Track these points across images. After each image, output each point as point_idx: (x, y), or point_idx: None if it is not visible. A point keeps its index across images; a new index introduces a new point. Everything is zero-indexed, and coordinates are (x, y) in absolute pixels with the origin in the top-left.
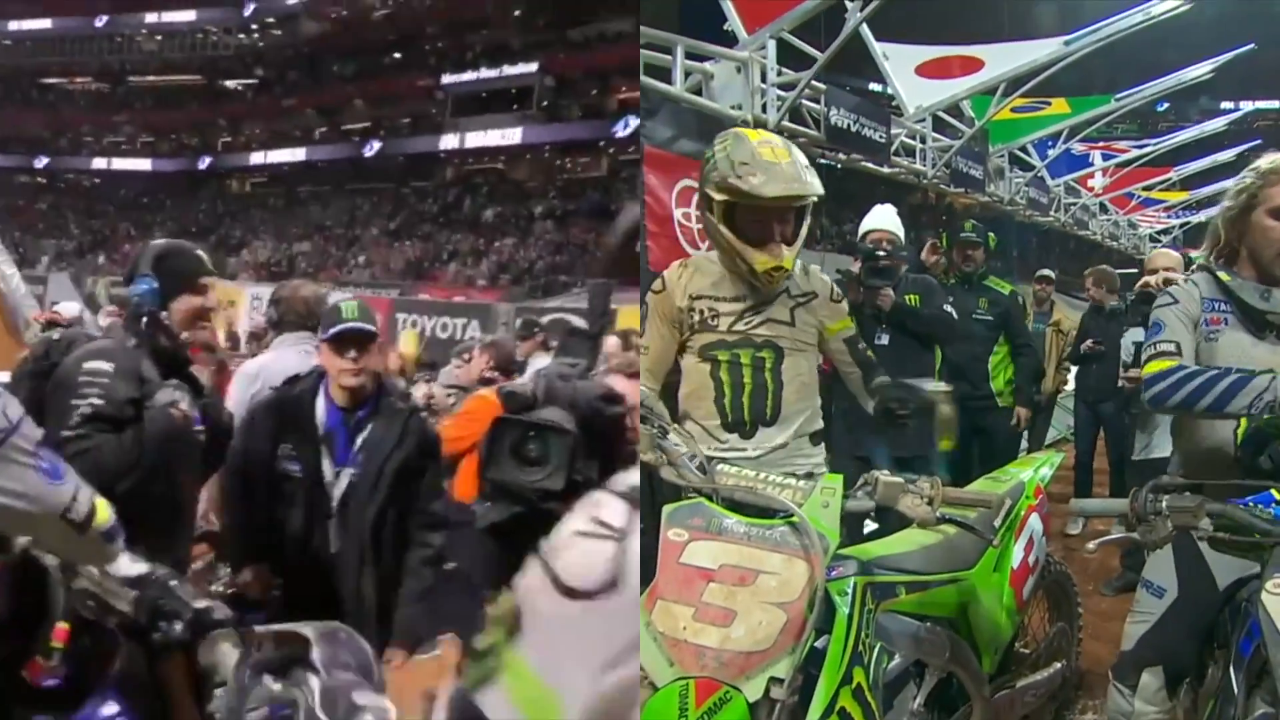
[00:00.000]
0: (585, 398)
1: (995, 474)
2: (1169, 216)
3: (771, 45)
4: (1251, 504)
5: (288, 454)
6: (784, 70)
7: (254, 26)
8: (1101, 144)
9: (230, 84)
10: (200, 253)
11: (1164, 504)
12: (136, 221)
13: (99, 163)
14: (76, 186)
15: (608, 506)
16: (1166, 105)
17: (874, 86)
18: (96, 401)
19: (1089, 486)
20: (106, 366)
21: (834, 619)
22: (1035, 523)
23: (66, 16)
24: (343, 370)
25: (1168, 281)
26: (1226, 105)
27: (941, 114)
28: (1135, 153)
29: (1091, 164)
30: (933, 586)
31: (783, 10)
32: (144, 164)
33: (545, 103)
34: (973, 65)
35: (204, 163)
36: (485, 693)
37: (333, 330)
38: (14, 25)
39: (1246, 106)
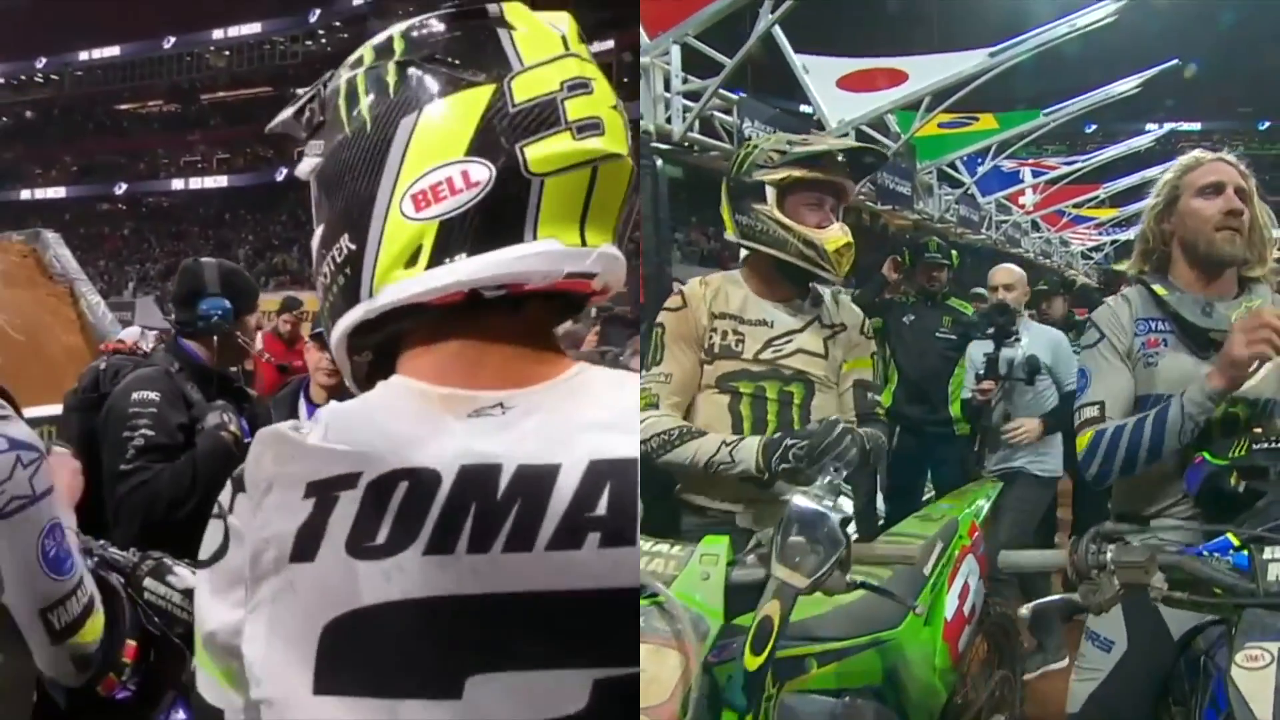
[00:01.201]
0: None
1: (926, 511)
2: (1100, 234)
3: (675, 50)
4: (1208, 554)
5: None
6: (690, 78)
7: (320, 32)
8: (1031, 161)
9: (301, 92)
10: None
11: (1108, 557)
12: (218, 239)
13: (177, 184)
14: (157, 209)
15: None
16: (1095, 127)
17: (805, 109)
18: (148, 433)
19: None
20: (154, 396)
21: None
22: (971, 566)
23: (134, 41)
24: (319, 368)
25: (1007, 287)
26: (1151, 127)
27: (868, 129)
28: (1064, 169)
29: (1021, 181)
30: (851, 654)
31: (687, 13)
32: (221, 181)
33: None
34: (897, 78)
35: (280, 174)
36: None
37: (315, 330)
38: (84, 55)
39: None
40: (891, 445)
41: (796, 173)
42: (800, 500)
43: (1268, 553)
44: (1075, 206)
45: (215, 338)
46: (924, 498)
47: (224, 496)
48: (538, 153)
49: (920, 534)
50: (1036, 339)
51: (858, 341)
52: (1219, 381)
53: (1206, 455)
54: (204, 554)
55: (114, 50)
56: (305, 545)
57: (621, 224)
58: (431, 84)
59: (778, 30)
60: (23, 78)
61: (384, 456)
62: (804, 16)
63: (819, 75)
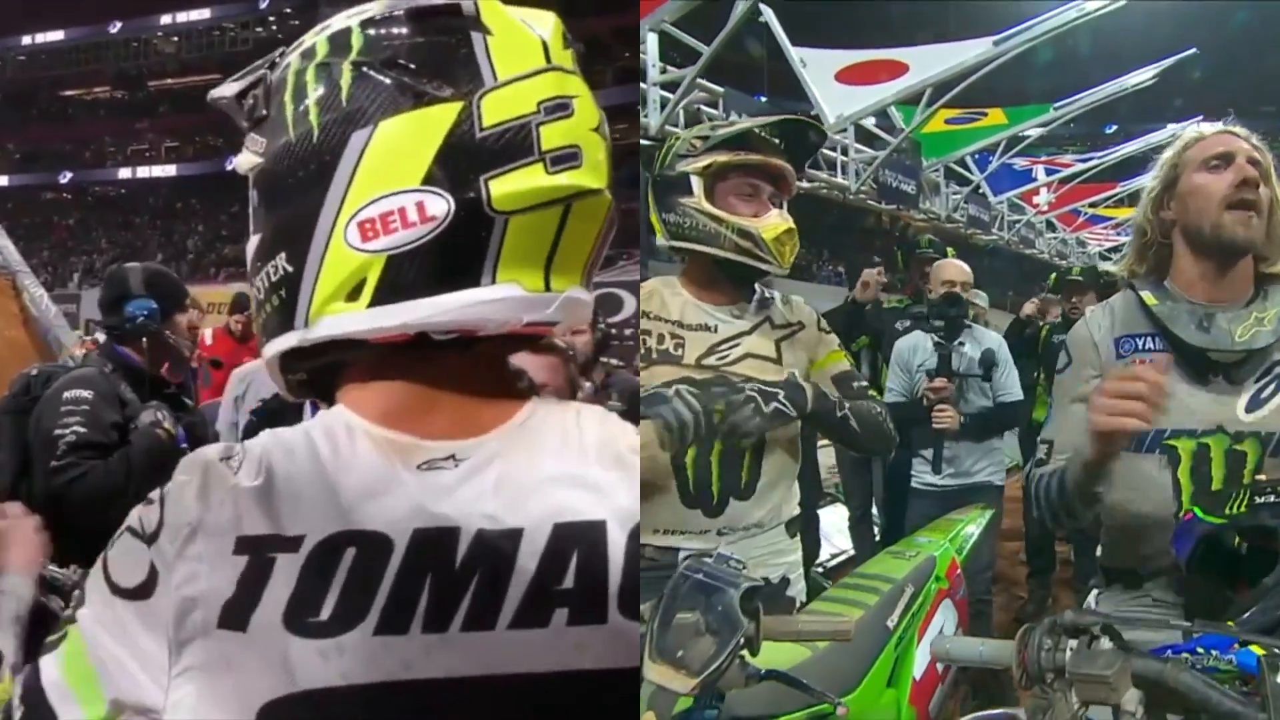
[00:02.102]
0: None
1: (900, 546)
2: (1118, 234)
3: (653, 39)
4: (1203, 650)
5: None
6: (668, 68)
7: (271, 19)
8: (1044, 159)
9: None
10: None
11: (1066, 660)
12: (167, 230)
13: (124, 173)
14: (103, 199)
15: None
16: (1115, 127)
17: None
18: (80, 429)
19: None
20: (86, 394)
21: None
22: (948, 612)
23: (80, 26)
24: None
25: (963, 285)
26: (1174, 128)
27: (872, 127)
28: (1079, 167)
29: (1034, 179)
30: None
31: None
32: (169, 170)
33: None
34: (897, 70)
35: (230, 163)
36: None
37: None
38: (26, 40)
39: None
40: (889, 459)
41: (722, 158)
42: (690, 564)
43: None
44: (1091, 206)
45: (144, 339)
46: None
47: (149, 519)
48: (504, 188)
49: (890, 575)
50: (982, 342)
51: (819, 338)
52: (1091, 449)
53: (1197, 511)
54: (121, 579)
55: (58, 35)
56: (236, 612)
57: (593, 260)
58: (390, 95)
59: (774, 22)
60: None
61: (328, 514)
62: (806, 9)
63: (816, 69)
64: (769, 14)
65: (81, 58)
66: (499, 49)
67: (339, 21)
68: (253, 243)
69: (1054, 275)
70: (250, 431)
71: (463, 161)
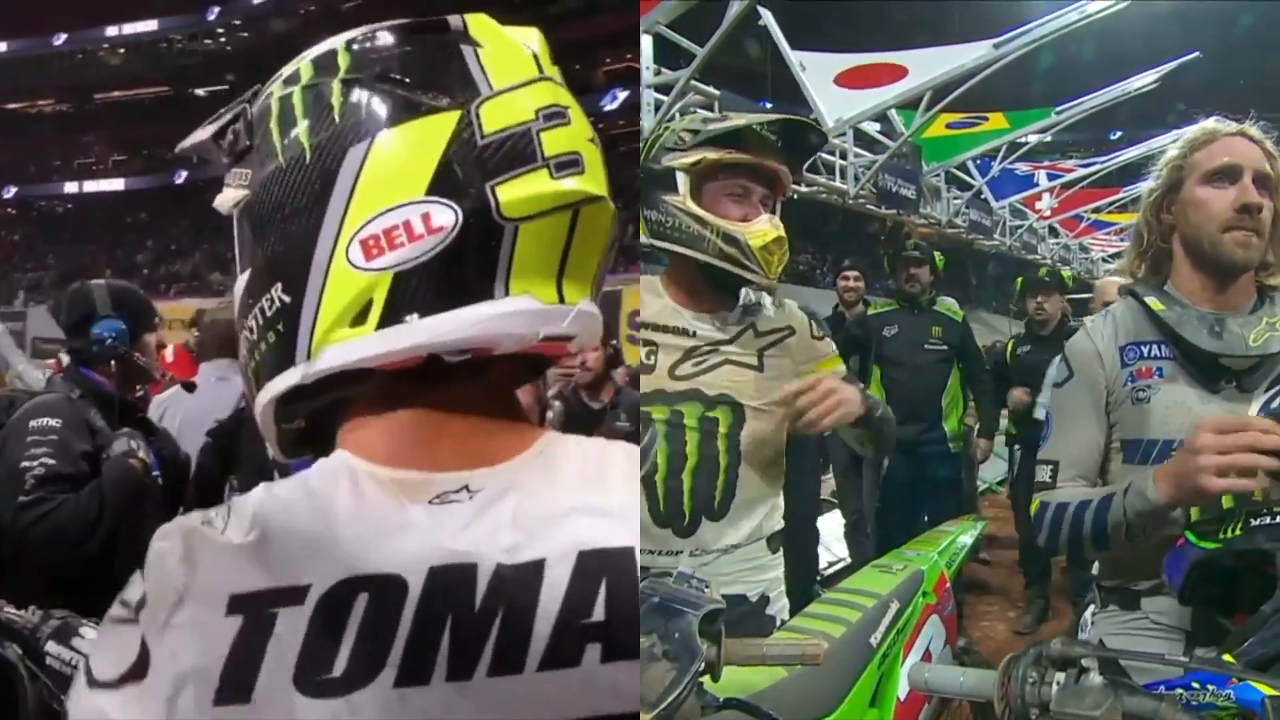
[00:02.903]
0: None
1: (887, 559)
2: (1122, 239)
3: (646, 41)
4: (1199, 685)
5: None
6: (664, 70)
7: (219, 30)
8: (1047, 164)
9: (201, 92)
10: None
11: (1052, 695)
12: (114, 245)
13: (70, 187)
14: (50, 214)
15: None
16: (1120, 133)
17: None
18: (49, 461)
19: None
20: (54, 422)
21: None
22: (935, 628)
23: (23, 38)
24: None
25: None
26: (1178, 134)
27: (874, 132)
28: (1081, 172)
29: (1036, 184)
30: None
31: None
32: (118, 184)
33: None
34: (897, 73)
35: (180, 177)
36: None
37: None
38: None
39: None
40: (883, 468)
41: (712, 155)
42: (646, 586)
43: None
44: (1094, 211)
45: (113, 362)
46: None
47: (133, 594)
48: (512, 194)
49: (874, 590)
50: None
51: (810, 345)
52: (1166, 494)
53: (1189, 536)
54: (106, 672)
55: (1, 46)
56: (236, 682)
57: (600, 275)
58: (385, 107)
59: (773, 25)
60: None
61: (335, 560)
62: (805, 11)
63: (816, 72)
64: (768, 17)
65: (26, 70)
66: (491, 60)
67: (321, 47)
68: (241, 281)
69: (1020, 279)
70: (205, 454)
71: (467, 169)
